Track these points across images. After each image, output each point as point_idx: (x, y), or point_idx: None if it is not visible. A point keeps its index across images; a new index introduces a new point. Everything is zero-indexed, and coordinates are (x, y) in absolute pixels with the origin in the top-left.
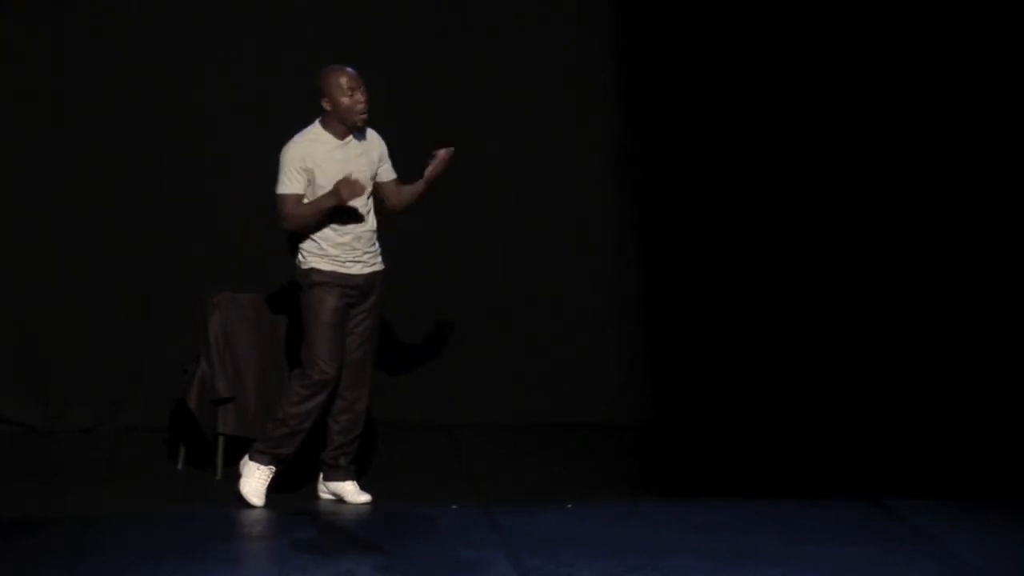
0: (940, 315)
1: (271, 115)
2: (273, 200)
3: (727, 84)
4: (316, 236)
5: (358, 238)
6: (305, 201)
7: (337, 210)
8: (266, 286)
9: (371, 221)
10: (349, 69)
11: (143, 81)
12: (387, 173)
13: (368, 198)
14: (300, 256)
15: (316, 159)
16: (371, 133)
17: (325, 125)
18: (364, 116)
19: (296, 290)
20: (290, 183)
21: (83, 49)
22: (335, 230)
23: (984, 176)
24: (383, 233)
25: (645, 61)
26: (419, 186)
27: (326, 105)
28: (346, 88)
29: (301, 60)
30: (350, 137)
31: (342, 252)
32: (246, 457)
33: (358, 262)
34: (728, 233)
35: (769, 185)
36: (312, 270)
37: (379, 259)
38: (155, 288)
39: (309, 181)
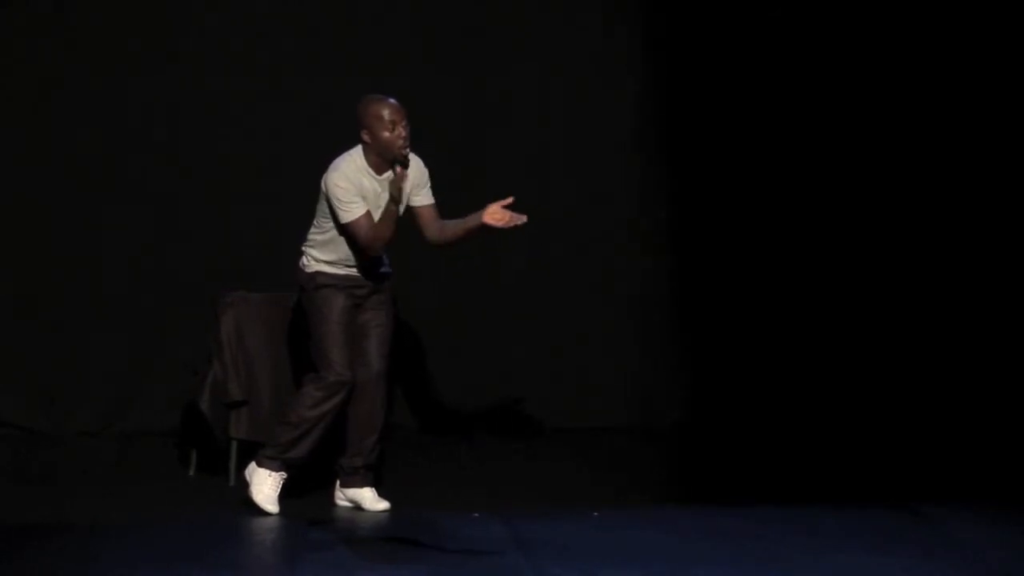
0: (977, 320)
1: (283, 114)
2: (284, 200)
3: (754, 82)
4: (326, 254)
5: (370, 262)
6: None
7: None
8: (279, 285)
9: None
10: (391, 100)
11: (153, 79)
12: (424, 198)
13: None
14: (304, 259)
15: (359, 190)
16: (412, 160)
17: (366, 156)
18: (406, 150)
19: (300, 293)
20: (354, 207)
21: (91, 47)
22: (350, 258)
23: (995, 179)
24: (403, 232)
25: (670, 58)
26: (466, 228)
27: (365, 137)
28: (387, 122)
29: (315, 59)
30: (389, 172)
31: (350, 270)
32: (252, 464)
33: (366, 270)
34: (757, 235)
35: (800, 184)
36: (317, 273)
37: (387, 264)
38: (165, 287)
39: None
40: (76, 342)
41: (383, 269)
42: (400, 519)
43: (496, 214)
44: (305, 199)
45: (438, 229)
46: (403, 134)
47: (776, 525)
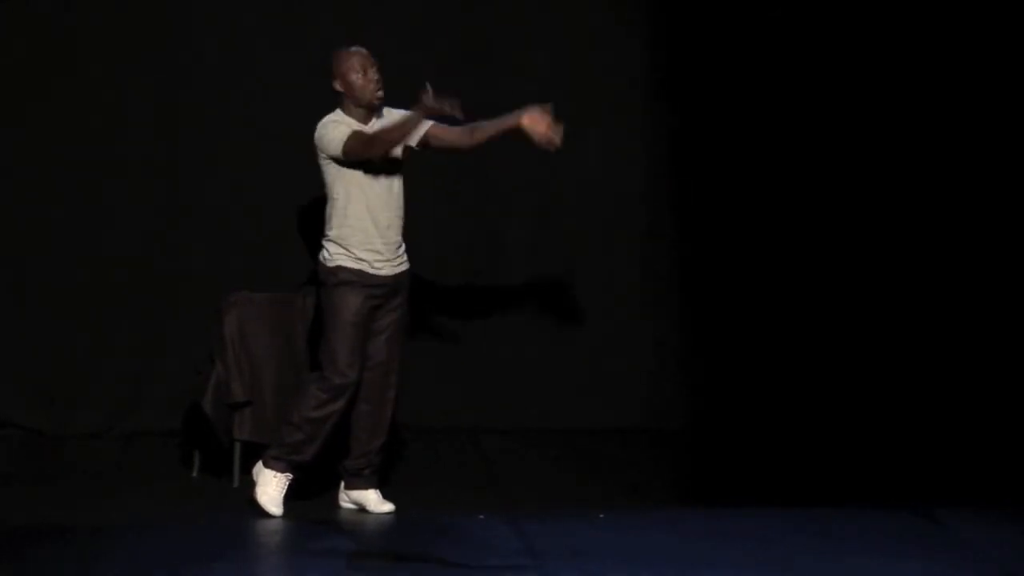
0: (982, 321)
1: (285, 112)
2: (286, 200)
3: (759, 86)
4: (343, 238)
5: (387, 241)
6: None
7: (368, 213)
8: (283, 285)
9: (399, 208)
10: (360, 48)
11: (154, 78)
12: (423, 126)
13: (399, 186)
14: (325, 253)
15: None
16: (389, 111)
17: (345, 111)
18: (379, 94)
19: (318, 287)
20: (344, 128)
21: (93, 45)
22: (364, 235)
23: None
24: (409, 231)
25: (678, 57)
26: (499, 128)
27: (338, 87)
28: (358, 67)
29: (317, 57)
30: (373, 121)
31: (370, 256)
32: (259, 464)
33: (386, 263)
34: (766, 237)
35: (809, 187)
36: (338, 268)
37: (405, 258)
38: (168, 287)
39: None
40: (78, 343)
41: (401, 263)
42: (405, 521)
43: (536, 118)
44: (307, 199)
45: (467, 133)
46: (374, 78)
47: (783, 527)
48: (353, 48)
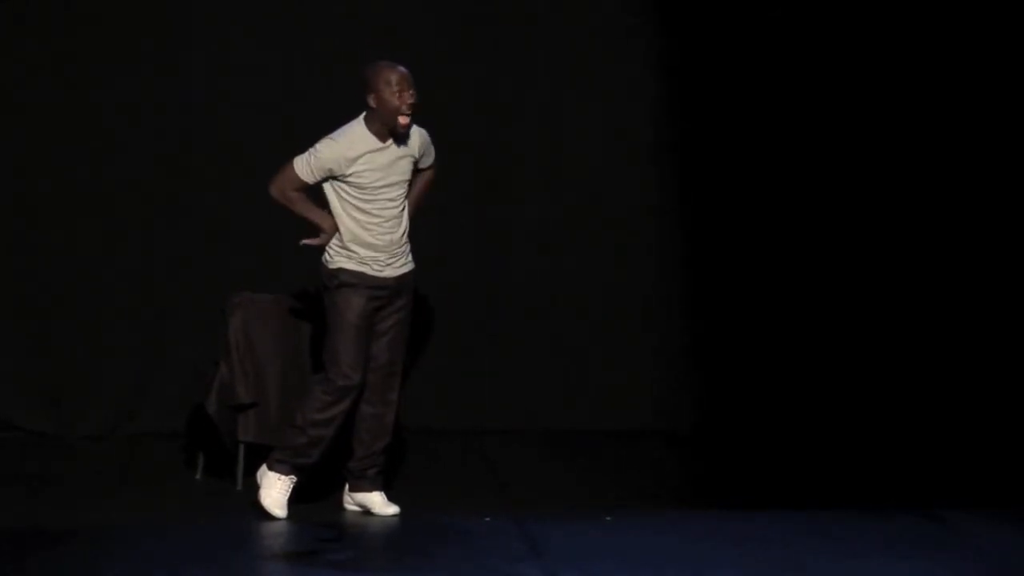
0: (989, 323)
1: (288, 113)
2: None
3: (764, 83)
4: (347, 241)
5: (390, 243)
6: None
7: (372, 217)
8: (287, 286)
9: (404, 225)
10: (401, 67)
11: (158, 79)
12: (424, 162)
13: (403, 200)
14: (327, 255)
15: (355, 164)
16: (414, 131)
17: (368, 124)
18: (406, 121)
19: (321, 289)
20: (307, 169)
21: (95, 47)
22: (367, 240)
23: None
24: (416, 232)
25: (682, 62)
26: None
27: (372, 102)
28: (395, 87)
29: (321, 59)
30: (389, 141)
31: (372, 261)
32: (264, 467)
33: (388, 265)
34: (768, 238)
35: (817, 190)
36: (340, 270)
37: (409, 259)
38: (172, 289)
39: (327, 179)
40: (82, 345)
41: (405, 264)
42: (407, 522)
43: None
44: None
45: (414, 193)
46: (409, 101)
47: (784, 528)
48: (393, 65)
